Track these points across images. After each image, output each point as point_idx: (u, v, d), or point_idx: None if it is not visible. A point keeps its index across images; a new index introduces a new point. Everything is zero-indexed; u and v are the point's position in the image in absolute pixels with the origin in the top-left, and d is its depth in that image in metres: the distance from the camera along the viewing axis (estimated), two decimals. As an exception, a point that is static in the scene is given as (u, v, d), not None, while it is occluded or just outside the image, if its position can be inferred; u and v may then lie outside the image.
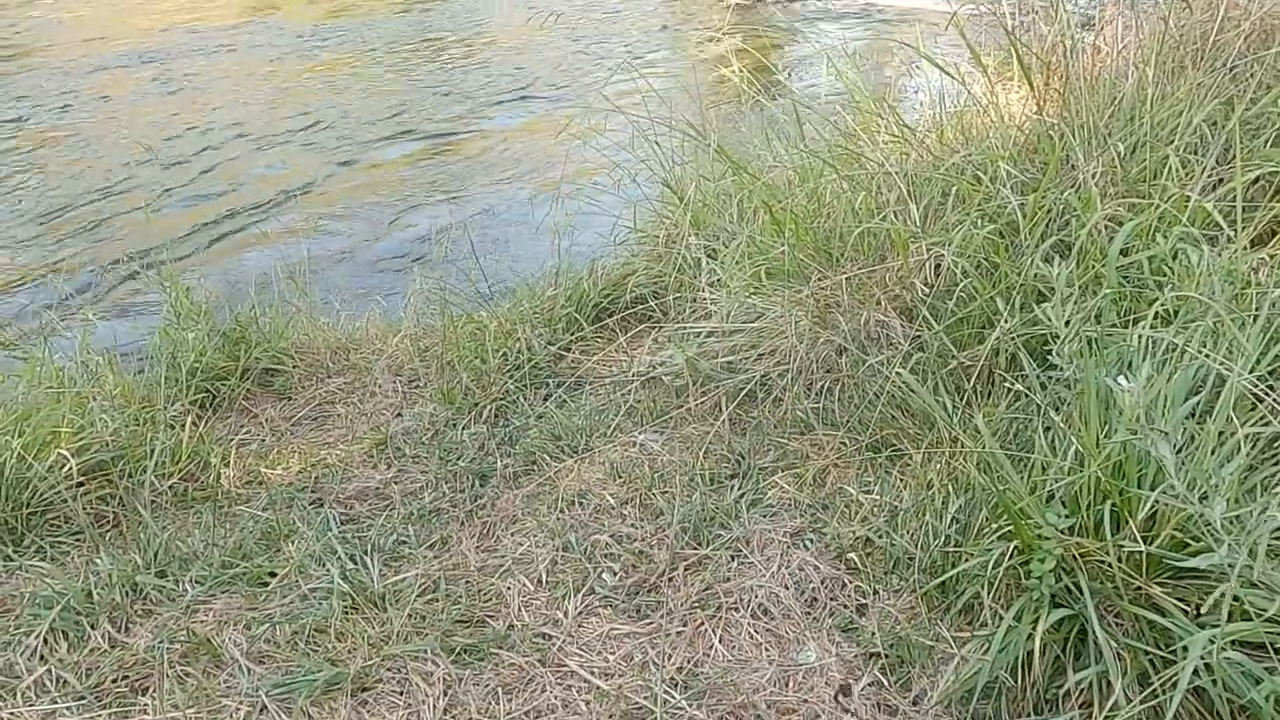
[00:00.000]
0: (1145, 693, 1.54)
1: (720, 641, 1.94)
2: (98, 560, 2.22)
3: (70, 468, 2.39)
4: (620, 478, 2.45)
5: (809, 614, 2.01)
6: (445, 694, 1.84)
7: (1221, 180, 2.34)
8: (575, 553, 2.20)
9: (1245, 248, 2.09)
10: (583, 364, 3.03)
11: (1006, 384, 2.22)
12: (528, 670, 1.89)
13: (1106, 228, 2.25)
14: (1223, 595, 1.43)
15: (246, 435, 2.85)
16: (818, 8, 10.31)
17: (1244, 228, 2.12)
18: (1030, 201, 2.39)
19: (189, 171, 6.21)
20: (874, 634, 1.92)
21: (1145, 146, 2.47)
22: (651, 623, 2.00)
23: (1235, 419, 1.65)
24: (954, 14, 2.93)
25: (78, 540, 2.35)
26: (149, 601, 2.11)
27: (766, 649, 1.92)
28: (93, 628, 2.02)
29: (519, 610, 2.05)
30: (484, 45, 9.46)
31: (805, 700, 1.80)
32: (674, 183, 3.41)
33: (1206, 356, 1.75)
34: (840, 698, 1.77)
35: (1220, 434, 1.66)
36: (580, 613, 2.04)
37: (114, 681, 1.90)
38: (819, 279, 2.60)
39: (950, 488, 2.10)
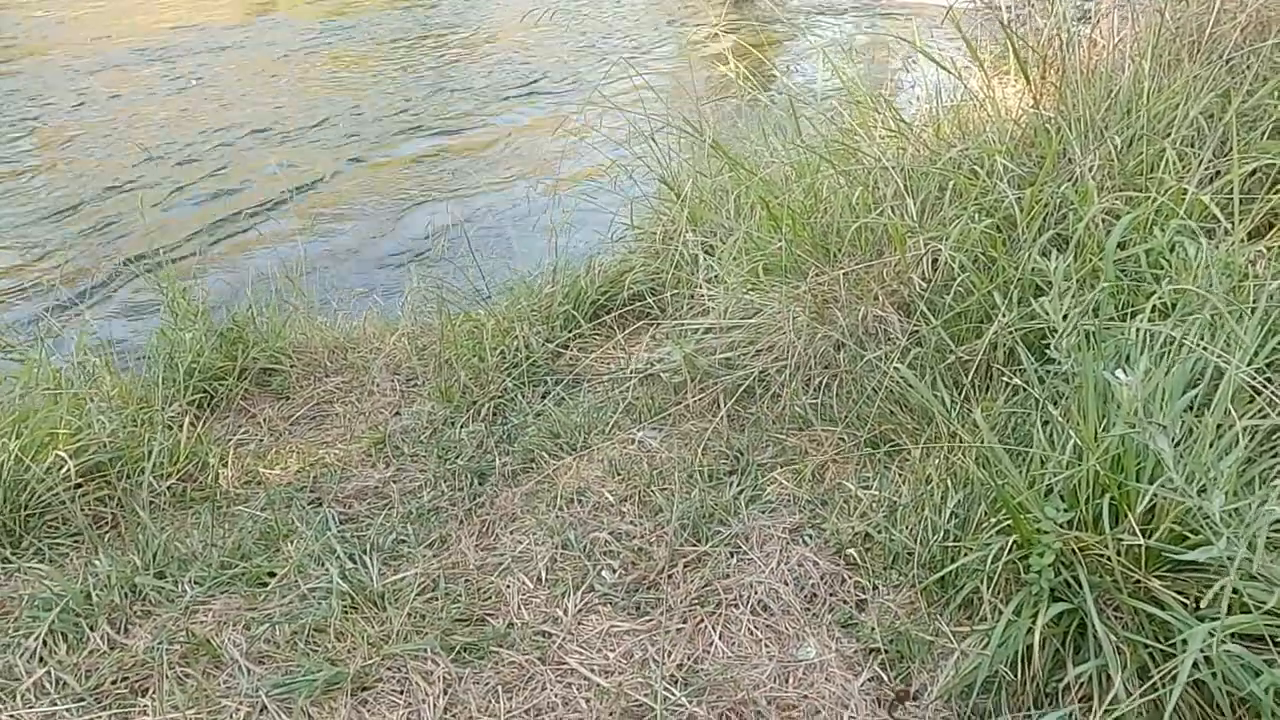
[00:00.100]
0: (1145, 686, 1.54)
1: (720, 638, 1.94)
2: (96, 562, 2.22)
3: (68, 469, 2.39)
4: (619, 475, 2.45)
5: (808, 610, 2.01)
6: (445, 693, 1.84)
7: (1219, 173, 2.34)
8: (574, 550, 2.20)
9: (1242, 240, 2.09)
10: (581, 361, 3.03)
11: (1004, 378, 2.22)
12: (528, 668, 1.89)
13: (1104, 221, 2.25)
14: (1222, 588, 1.43)
15: (245, 435, 2.85)
16: (815, 3, 10.30)
17: (1241, 220, 2.12)
18: (1027, 195, 2.39)
19: (198, 170, 6.21)
20: (873, 629, 1.92)
21: (1142, 140, 2.47)
22: (651, 620, 2.00)
23: (1233, 411, 1.64)
24: (950, 8, 2.93)
25: (76, 542, 2.35)
26: (148, 602, 2.11)
27: (766, 645, 1.92)
28: (92, 629, 2.01)
29: (518, 608, 2.05)
30: (486, 42, 9.46)
31: (805, 696, 1.80)
32: (671, 179, 3.41)
33: (1204, 349, 1.75)
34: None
35: (1219, 427, 1.66)
36: (580, 610, 2.04)
37: (113, 683, 1.89)
38: (816, 274, 2.60)
39: (949, 482, 2.10)
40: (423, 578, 2.13)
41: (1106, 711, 1.57)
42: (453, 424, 2.77)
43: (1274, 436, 1.74)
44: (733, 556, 2.15)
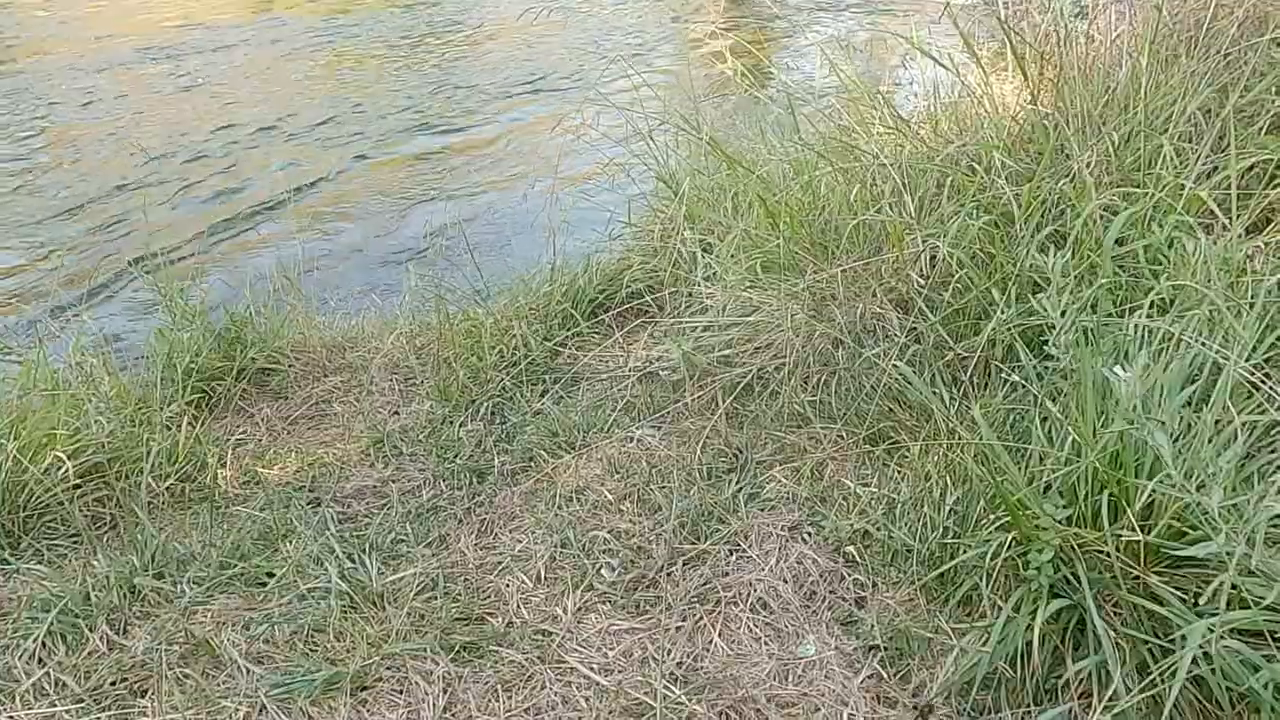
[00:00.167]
0: (1144, 682, 1.54)
1: (719, 636, 1.94)
2: (95, 562, 2.22)
3: (66, 470, 2.39)
4: (618, 473, 2.45)
5: (808, 607, 2.01)
6: (445, 692, 1.84)
7: (1216, 168, 2.33)
8: (574, 549, 2.20)
9: (1240, 235, 2.08)
10: (579, 360, 3.03)
11: (1003, 375, 2.22)
12: (527, 667, 1.89)
13: (1102, 217, 2.25)
14: (1221, 584, 1.43)
15: (243, 435, 2.85)
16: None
17: (1239, 215, 2.12)
18: (1025, 192, 2.39)
19: (203, 169, 6.21)
20: (873, 626, 1.92)
21: (1139, 135, 2.47)
22: (650, 618, 2.00)
23: (1232, 407, 1.65)
24: (948, 4, 2.93)
25: (75, 543, 2.35)
26: (147, 603, 2.11)
27: (766, 643, 1.92)
28: (91, 630, 2.01)
29: (518, 607, 2.05)
30: (488, 40, 9.45)
31: (805, 694, 1.80)
32: (669, 177, 3.40)
33: (1203, 345, 1.75)
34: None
35: (1217, 422, 1.66)
36: (579, 609, 2.04)
37: (113, 684, 1.89)
38: (814, 272, 2.59)
39: (948, 479, 2.10)
40: (422, 577, 2.13)
41: (1106, 708, 1.57)
42: (451, 423, 2.76)
43: (1272, 432, 1.74)
44: (732, 554, 2.15)
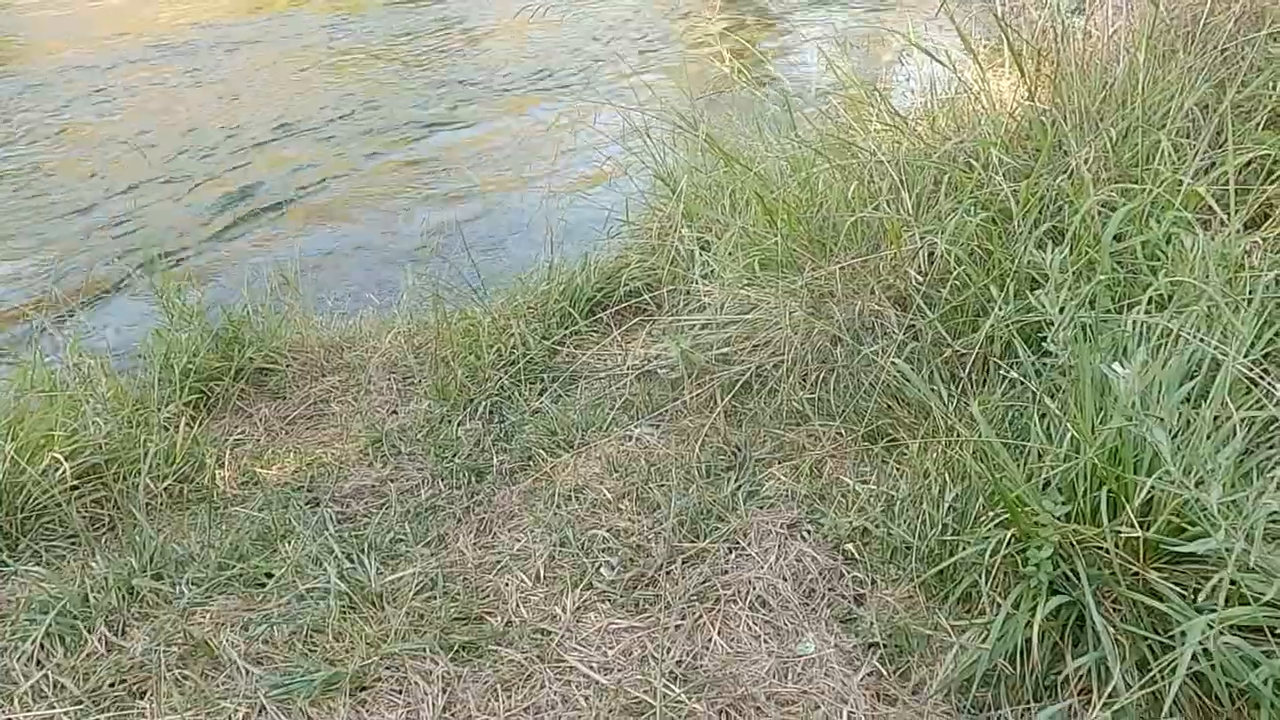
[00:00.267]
0: (1144, 679, 1.54)
1: (719, 634, 1.94)
2: (93, 564, 2.21)
3: (64, 471, 2.38)
4: (617, 472, 2.45)
5: (807, 605, 2.00)
6: (444, 692, 1.84)
7: (1214, 164, 2.33)
8: (573, 548, 2.19)
9: (1238, 231, 2.08)
10: (577, 358, 3.03)
11: (1002, 372, 2.22)
12: (526, 666, 1.89)
13: (1100, 213, 2.25)
14: (1220, 580, 1.43)
15: (241, 435, 2.84)
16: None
17: (1237, 211, 2.12)
18: (1023, 188, 2.39)
19: (214, 167, 6.20)
20: (872, 624, 1.92)
21: (1137, 131, 2.46)
22: (650, 616, 2.00)
23: (1230, 403, 1.65)
24: (944, 0, 2.92)
25: (73, 544, 2.34)
26: (145, 604, 2.11)
27: (765, 641, 1.92)
28: (89, 632, 2.01)
29: (517, 606, 2.05)
30: (486, 37, 9.44)
31: (805, 691, 1.80)
32: (666, 175, 3.40)
33: (1201, 341, 1.75)
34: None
35: (1216, 419, 1.66)
36: (578, 608, 2.04)
37: (111, 685, 1.89)
38: (812, 269, 2.59)
39: (947, 476, 2.10)
40: (421, 577, 2.13)
41: (1106, 704, 1.57)
42: (450, 422, 2.76)
43: (1271, 428, 1.74)
44: (731, 552, 2.15)
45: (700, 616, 1.98)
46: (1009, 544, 1.79)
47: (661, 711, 1.76)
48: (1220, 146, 2.34)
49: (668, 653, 1.89)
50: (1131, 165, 2.43)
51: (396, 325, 3.31)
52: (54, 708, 1.84)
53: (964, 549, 1.89)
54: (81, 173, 6.19)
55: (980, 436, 1.93)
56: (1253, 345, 1.81)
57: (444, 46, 9.16)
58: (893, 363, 2.34)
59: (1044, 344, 1.92)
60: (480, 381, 2.89)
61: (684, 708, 1.77)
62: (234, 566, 2.19)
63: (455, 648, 1.93)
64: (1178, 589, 1.60)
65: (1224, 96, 2.39)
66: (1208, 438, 1.63)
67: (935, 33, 3.31)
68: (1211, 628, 1.46)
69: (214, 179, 6.02)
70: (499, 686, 1.85)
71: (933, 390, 2.25)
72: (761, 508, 2.27)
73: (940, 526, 2.02)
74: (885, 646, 1.88)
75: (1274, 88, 2.48)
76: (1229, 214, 2.11)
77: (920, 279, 2.46)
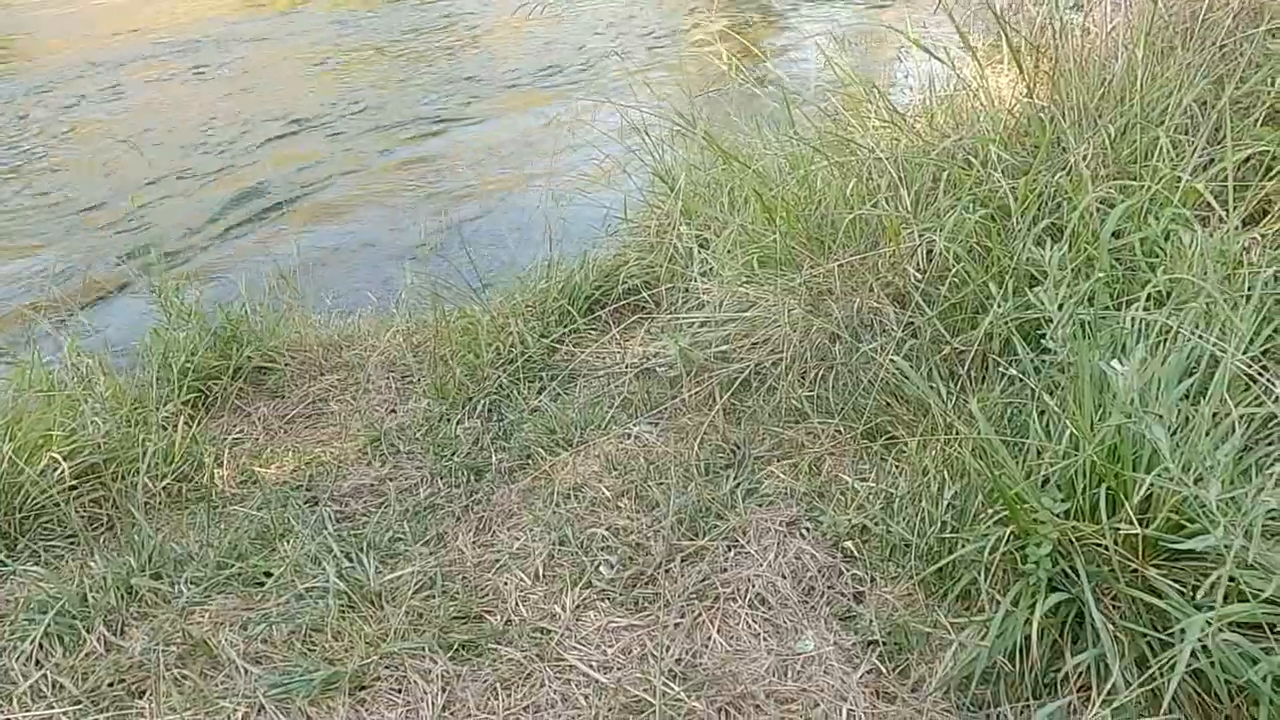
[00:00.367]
0: (1143, 676, 1.54)
1: (718, 632, 1.94)
2: (92, 563, 2.21)
3: (62, 471, 2.38)
4: (615, 470, 2.45)
5: (806, 603, 2.00)
6: (444, 691, 1.84)
7: (1212, 160, 2.33)
8: (572, 546, 2.19)
9: (1237, 227, 2.08)
10: (576, 357, 3.02)
11: (1000, 369, 2.22)
12: (526, 665, 1.89)
13: (1098, 210, 2.24)
14: (1219, 577, 1.43)
15: (240, 434, 2.84)
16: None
17: (1235, 207, 2.12)
18: (1021, 185, 2.39)
19: (223, 164, 6.21)
20: (871, 622, 1.92)
21: (1136, 128, 2.46)
22: (649, 615, 2.00)
23: (1229, 400, 1.64)
24: (942, -4, 2.92)
25: (71, 544, 2.34)
26: (144, 604, 2.10)
27: (765, 639, 1.92)
28: (88, 631, 2.01)
29: (516, 605, 2.05)
30: (499, 33, 9.43)
31: (804, 689, 1.80)
32: (665, 172, 3.40)
33: (1200, 338, 1.75)
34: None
35: (1214, 415, 1.66)
36: (578, 606, 2.03)
37: (110, 685, 1.89)
38: (811, 267, 2.59)
39: (946, 474, 2.10)
40: (420, 576, 2.13)
41: (1105, 702, 1.57)
42: (448, 421, 2.76)
43: (1270, 425, 1.74)
44: (730, 550, 2.15)
45: (699, 615, 1.98)
46: (1008, 541, 1.79)
47: (661, 710, 1.76)
48: (1219, 143, 2.33)
49: (667, 651, 1.89)
50: (1130, 162, 2.43)
51: (395, 324, 3.31)
52: (53, 707, 1.84)
53: (963, 546, 1.89)
54: (89, 171, 6.20)
55: (979, 434, 1.93)
56: (1251, 342, 1.81)
57: (449, 43, 9.16)
58: (891, 360, 2.34)
59: (1043, 341, 1.92)
60: (479, 380, 2.89)
61: (683, 706, 1.77)
62: (233, 566, 2.19)
63: (454, 646, 1.93)
64: (1177, 586, 1.60)
65: (1222, 93, 2.39)
66: (1206, 434, 1.62)
67: (934, 29, 3.30)
68: (1210, 625, 1.46)
69: (220, 177, 6.02)
70: (498, 685, 1.85)
71: (931, 388, 2.25)
72: (760, 505, 2.27)
73: (939, 524, 2.02)
74: (884, 644, 1.88)
75: (1272, 84, 2.48)
76: (1227, 210, 2.11)
77: (919, 276, 2.46)
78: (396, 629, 1.97)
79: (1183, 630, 1.50)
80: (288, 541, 2.28)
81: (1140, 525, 1.61)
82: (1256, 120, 2.46)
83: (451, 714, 1.81)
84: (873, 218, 2.58)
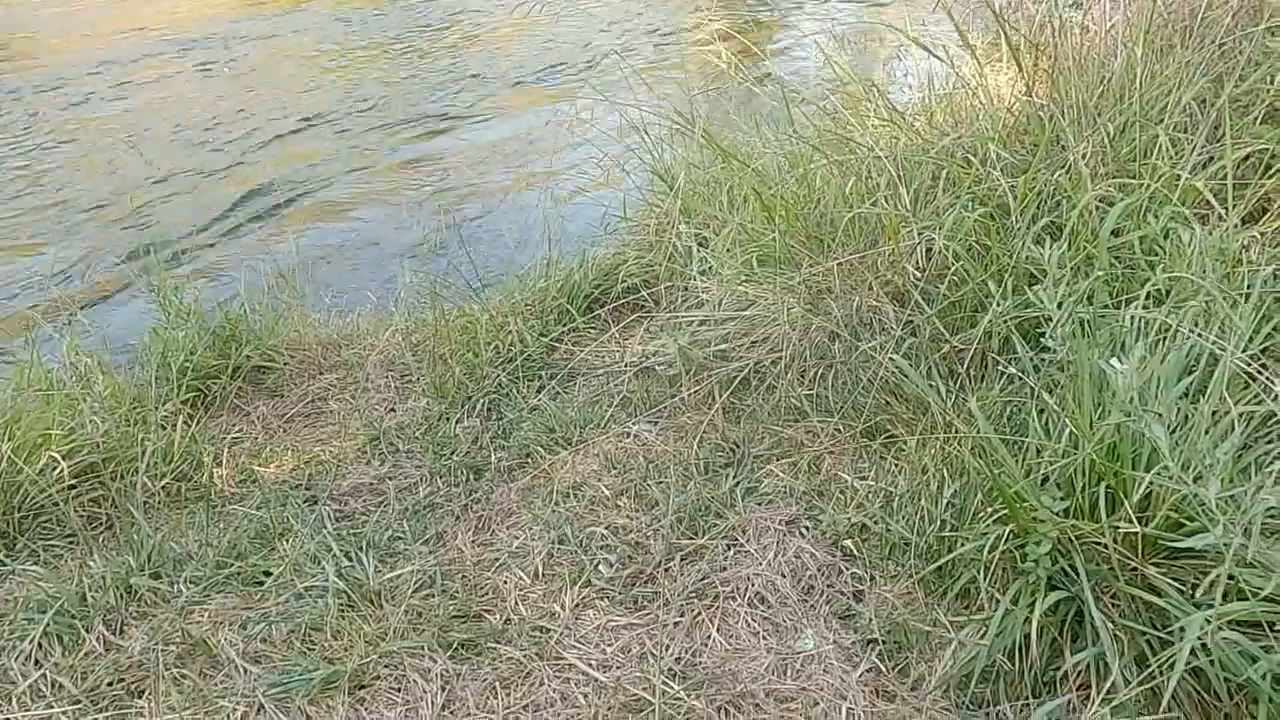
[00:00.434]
0: (1143, 674, 1.54)
1: (718, 631, 1.94)
2: (91, 563, 2.21)
3: (61, 470, 2.38)
4: (615, 469, 2.45)
5: (806, 601, 2.00)
6: (443, 690, 1.84)
7: (1212, 158, 2.33)
8: (571, 545, 2.19)
9: (1236, 225, 2.08)
10: (575, 355, 3.02)
11: (1000, 367, 2.22)
12: (525, 664, 1.89)
13: (1097, 208, 2.24)
14: (1219, 575, 1.43)
15: (239, 433, 2.84)
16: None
17: (1235, 205, 2.12)
18: (1021, 183, 2.39)
19: (229, 162, 6.21)
20: (871, 620, 1.92)
21: (1135, 126, 2.46)
22: (649, 614, 1.99)
23: (1228, 398, 1.64)
24: (941, -6, 2.92)
25: (70, 543, 2.34)
26: (143, 603, 2.10)
27: (764, 638, 1.92)
28: (87, 631, 2.01)
29: (516, 604, 2.05)
30: (504, 31, 9.42)
31: (804, 688, 1.80)
32: (664, 171, 3.39)
33: (1199, 336, 1.75)
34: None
35: (1214, 413, 1.66)
36: (577, 605, 2.03)
37: (110, 684, 1.89)
38: (810, 265, 2.59)
39: (945, 472, 2.10)
40: (419, 574, 2.13)
41: (1104, 700, 1.57)
42: (448, 420, 2.76)
43: (1269, 423, 1.74)
44: (729, 549, 2.15)
45: (699, 613, 1.98)
46: (1007, 540, 1.79)
47: (660, 709, 1.76)
48: (1218, 141, 2.33)
49: (666, 650, 1.89)
50: (1129, 160, 2.43)
51: (394, 323, 3.30)
52: (52, 707, 1.83)
53: (962, 545, 1.89)
54: (94, 169, 6.19)
55: (978, 432, 1.93)
56: (1251, 340, 1.81)
57: (453, 40, 9.16)
58: (891, 359, 2.34)
59: (1042, 339, 1.92)
60: (478, 379, 2.89)
61: (683, 705, 1.77)
62: (232, 565, 2.19)
63: (454, 645, 1.93)
64: (1176, 584, 1.60)
65: (1221, 91, 2.39)
66: (1206, 433, 1.62)
67: (933, 28, 3.30)
68: (1210, 623, 1.46)
69: (225, 175, 6.02)
70: (498, 684, 1.85)
71: (931, 386, 2.25)
72: (760, 504, 2.27)
73: (939, 522, 2.02)
74: (884, 643, 1.88)
75: (1272, 82, 2.48)
76: (1227, 208, 2.10)
77: (918, 275, 2.46)
78: (396, 628, 1.96)
79: (1182, 628, 1.50)
80: (287, 540, 2.28)
81: (1140, 523, 1.61)
82: (1256, 118, 2.46)
83: (451, 713, 1.81)
84: (872, 216, 2.58)
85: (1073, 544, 1.69)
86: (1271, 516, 1.50)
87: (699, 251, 2.87)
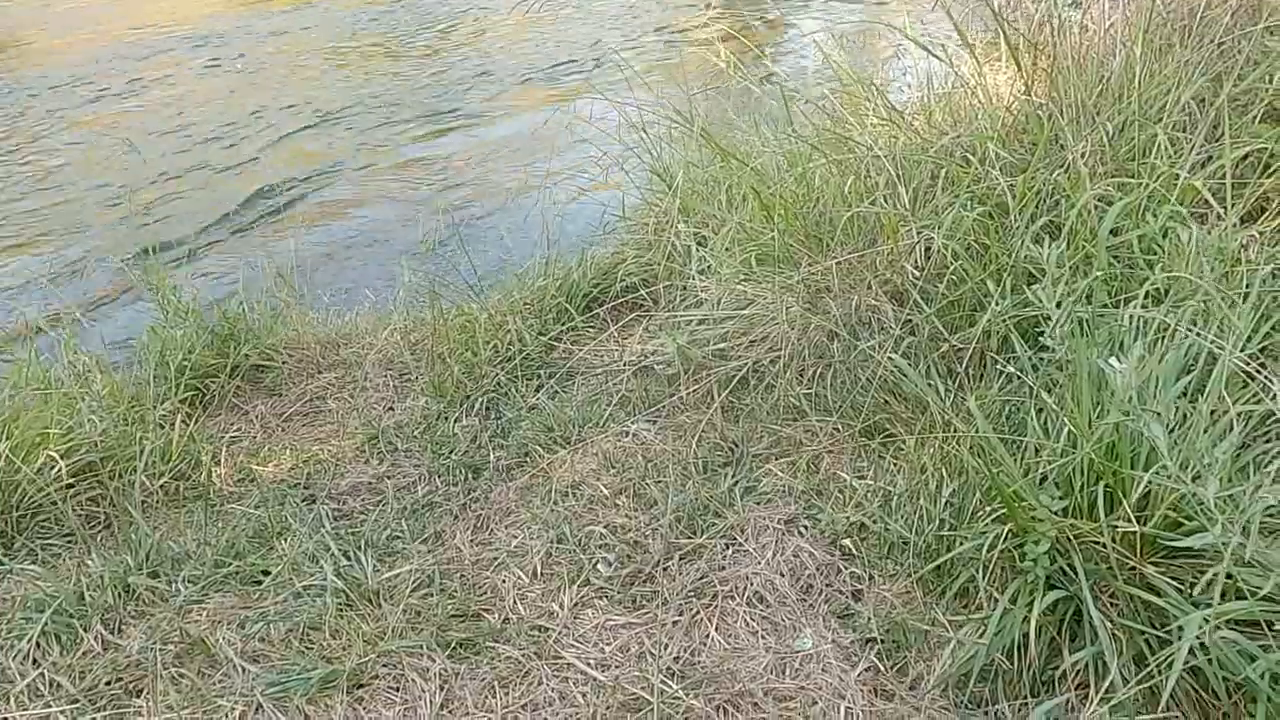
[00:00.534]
0: (1141, 673, 1.54)
1: (716, 630, 1.94)
2: (89, 562, 2.21)
3: (59, 469, 2.38)
4: (614, 468, 2.45)
5: (804, 601, 2.00)
6: (441, 689, 1.84)
7: (1210, 157, 2.33)
8: (570, 544, 2.19)
9: (1235, 225, 2.08)
10: (574, 354, 3.02)
11: (998, 366, 2.22)
12: (524, 663, 1.89)
13: (1096, 208, 2.24)
14: (1217, 574, 1.43)
15: (237, 432, 2.84)
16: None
17: (1233, 205, 2.12)
18: (1020, 182, 2.38)
19: (235, 160, 6.21)
20: (870, 619, 1.92)
21: (1134, 125, 2.46)
22: (647, 613, 1.99)
23: (1227, 397, 1.64)
24: (940, -7, 2.92)
25: (69, 542, 2.34)
26: (141, 602, 2.10)
27: (763, 637, 1.92)
28: (85, 630, 2.01)
29: (514, 603, 2.05)
30: (511, 28, 9.42)
31: (802, 687, 1.80)
32: (662, 170, 3.39)
33: (1198, 335, 1.75)
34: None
35: (1213, 413, 1.66)
36: (576, 604, 2.03)
37: (108, 684, 1.89)
38: (809, 264, 2.59)
39: (944, 471, 2.10)
40: (418, 574, 2.13)
41: (1103, 699, 1.57)
42: (446, 419, 2.76)
43: (1268, 422, 1.74)
44: (728, 548, 2.14)
45: (698, 613, 1.98)
46: (1006, 539, 1.79)
47: (659, 708, 1.76)
48: (1217, 140, 2.33)
49: (665, 649, 1.89)
50: (1128, 159, 2.43)
51: (393, 322, 3.30)
52: (50, 706, 1.83)
53: (961, 544, 1.89)
54: (103, 167, 6.19)
55: (977, 431, 1.93)
56: (1249, 339, 1.81)
57: (463, 38, 9.16)
58: (889, 358, 2.34)
59: (1041, 339, 1.92)
60: (477, 378, 2.89)
61: (681, 704, 1.77)
62: (230, 564, 2.19)
63: (452, 645, 1.93)
64: (1175, 584, 1.60)
65: (1220, 90, 2.39)
66: (1204, 432, 1.62)
67: (932, 27, 3.30)
68: (1208, 622, 1.46)
69: (233, 173, 6.02)
70: (496, 683, 1.85)
71: (930, 385, 2.25)
72: (759, 503, 2.27)
73: (937, 522, 2.02)
74: (883, 642, 1.88)
75: (1270, 81, 2.48)
76: (1225, 208, 2.10)
77: (917, 274, 2.46)
78: (394, 627, 1.96)
79: (1181, 628, 1.50)
80: (285, 540, 2.28)
81: (1138, 523, 1.61)
82: (1254, 117, 2.46)
83: (449, 712, 1.80)
84: (871, 215, 2.58)
85: (1071, 543, 1.69)
86: (1270, 516, 1.50)
87: (698, 250, 2.87)
